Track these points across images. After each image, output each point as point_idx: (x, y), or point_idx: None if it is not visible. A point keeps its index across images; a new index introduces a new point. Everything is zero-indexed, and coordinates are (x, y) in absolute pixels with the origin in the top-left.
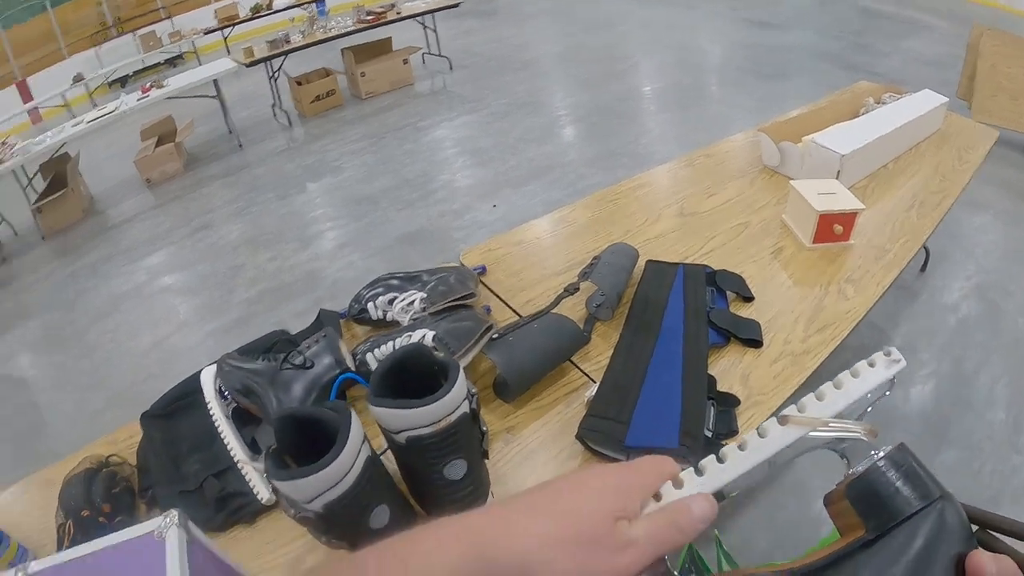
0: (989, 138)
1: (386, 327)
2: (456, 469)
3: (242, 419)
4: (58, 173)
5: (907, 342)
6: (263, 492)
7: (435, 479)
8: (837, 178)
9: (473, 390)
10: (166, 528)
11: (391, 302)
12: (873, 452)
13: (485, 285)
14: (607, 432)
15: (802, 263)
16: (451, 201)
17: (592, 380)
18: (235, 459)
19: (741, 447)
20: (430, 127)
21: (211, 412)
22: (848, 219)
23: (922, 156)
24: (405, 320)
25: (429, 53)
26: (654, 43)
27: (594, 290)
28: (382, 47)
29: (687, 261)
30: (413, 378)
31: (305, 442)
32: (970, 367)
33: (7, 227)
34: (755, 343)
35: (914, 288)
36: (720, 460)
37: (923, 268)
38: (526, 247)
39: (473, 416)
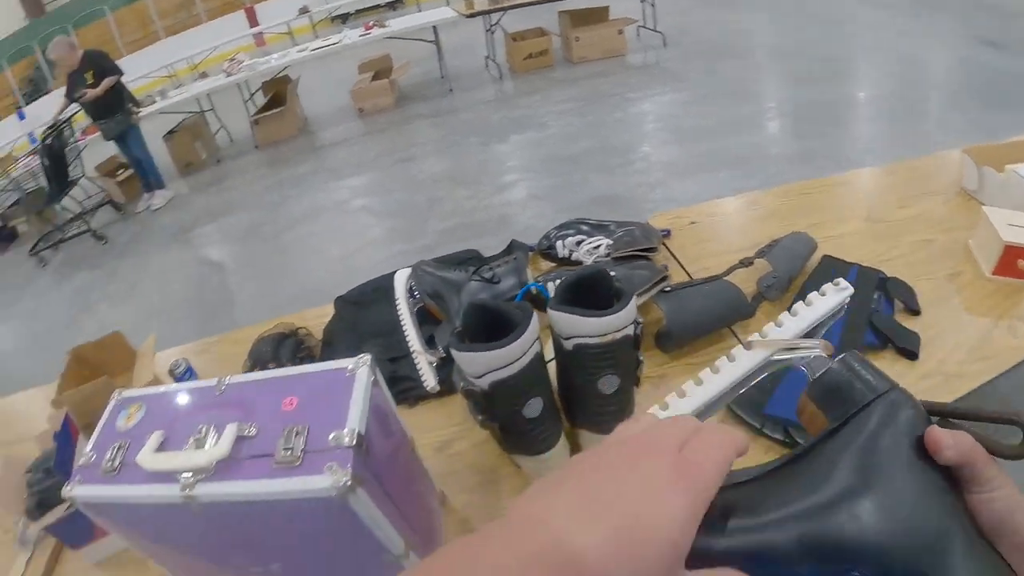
0: None
1: (569, 265)
2: (610, 384)
3: (423, 319)
4: (278, 92)
5: None
6: (430, 381)
7: (589, 389)
8: None
9: (640, 320)
10: (359, 366)
11: (578, 243)
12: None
13: (667, 247)
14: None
15: (977, 291)
16: (647, 173)
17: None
18: (411, 349)
19: (713, 370)
20: (637, 99)
21: (398, 307)
22: None
23: None
24: (588, 261)
25: (644, 27)
26: (875, 49)
27: (767, 270)
28: (599, 15)
29: (863, 264)
30: (591, 297)
31: (486, 331)
32: None
33: (225, 134)
34: (910, 354)
35: None
36: (697, 384)
37: None
38: (713, 221)
39: (635, 342)
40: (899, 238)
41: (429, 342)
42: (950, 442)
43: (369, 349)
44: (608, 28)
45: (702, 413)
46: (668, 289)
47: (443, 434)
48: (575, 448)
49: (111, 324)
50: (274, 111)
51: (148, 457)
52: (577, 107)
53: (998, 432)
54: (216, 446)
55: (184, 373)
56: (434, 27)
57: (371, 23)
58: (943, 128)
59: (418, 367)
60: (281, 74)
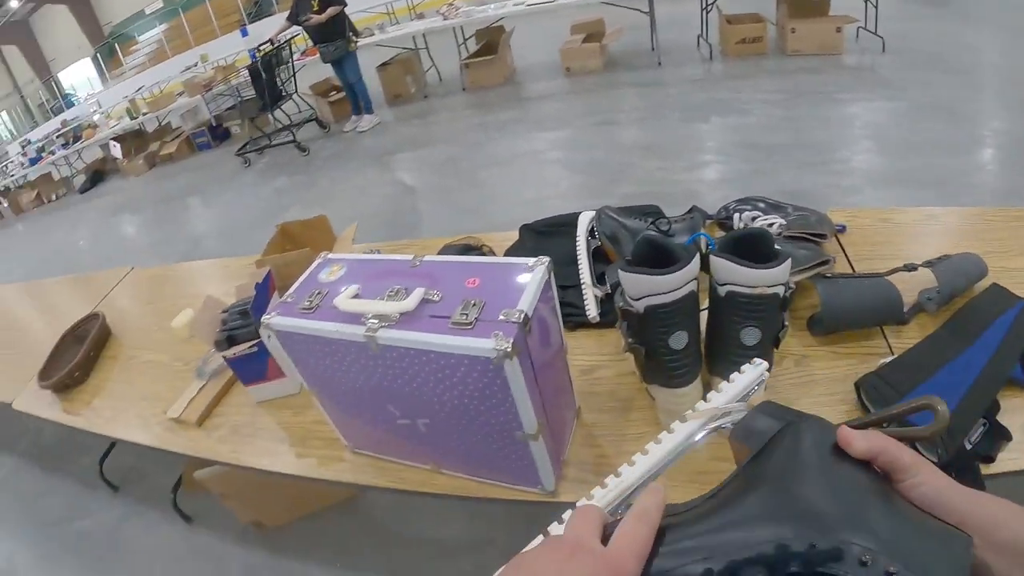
0: None
1: None
2: (751, 336)
3: (597, 257)
4: (490, 41)
5: None
6: (592, 310)
7: (731, 338)
8: None
9: (792, 285)
10: (538, 264)
11: (754, 219)
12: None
13: (838, 240)
14: (884, 394)
15: None
16: (841, 176)
17: (892, 353)
18: (582, 280)
19: (656, 441)
20: (846, 102)
21: (578, 242)
22: None
23: None
24: None
25: (864, 28)
26: None
27: (931, 284)
28: (819, 8)
29: None
30: (751, 255)
31: (652, 263)
32: None
33: (435, 73)
34: None
35: None
36: (643, 453)
37: None
38: (889, 227)
39: (783, 303)
40: None
41: (599, 278)
42: (859, 437)
43: None
44: (827, 23)
45: (647, 479)
46: (828, 276)
47: (592, 360)
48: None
49: None
50: (485, 58)
51: (344, 301)
52: (783, 99)
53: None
54: (403, 302)
55: None
56: None
57: None
58: None
59: (584, 297)
60: (496, 24)
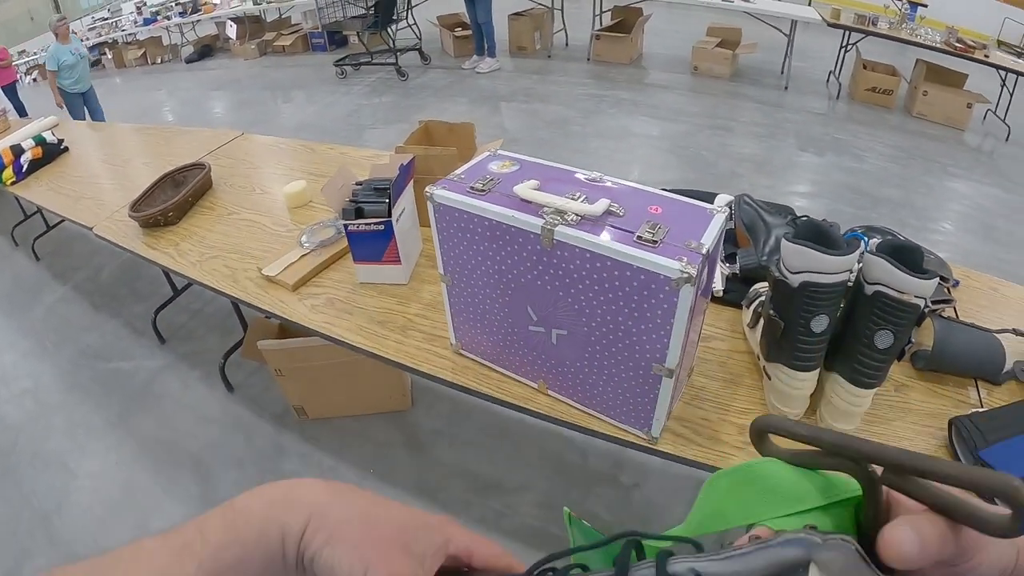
0: None
1: None
2: (884, 340)
3: (727, 238)
4: (626, 20)
5: None
6: (718, 284)
7: (864, 338)
8: None
9: (931, 306)
10: (719, 210)
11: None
12: None
13: (949, 292)
14: (973, 438)
15: None
16: (940, 247)
17: (982, 406)
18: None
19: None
20: (959, 176)
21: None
22: None
23: None
24: None
25: (994, 112)
26: None
27: None
28: (955, 79)
29: None
30: (903, 264)
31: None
32: None
33: (564, 36)
34: None
35: None
36: None
37: None
38: (1000, 297)
39: (920, 317)
40: None
41: (729, 257)
42: (915, 548)
43: None
44: (958, 97)
45: None
46: (944, 315)
47: (709, 331)
48: (818, 389)
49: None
50: (617, 34)
51: (526, 190)
52: (899, 156)
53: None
54: (591, 206)
55: None
56: (793, 21)
57: None
58: None
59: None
60: (636, 4)
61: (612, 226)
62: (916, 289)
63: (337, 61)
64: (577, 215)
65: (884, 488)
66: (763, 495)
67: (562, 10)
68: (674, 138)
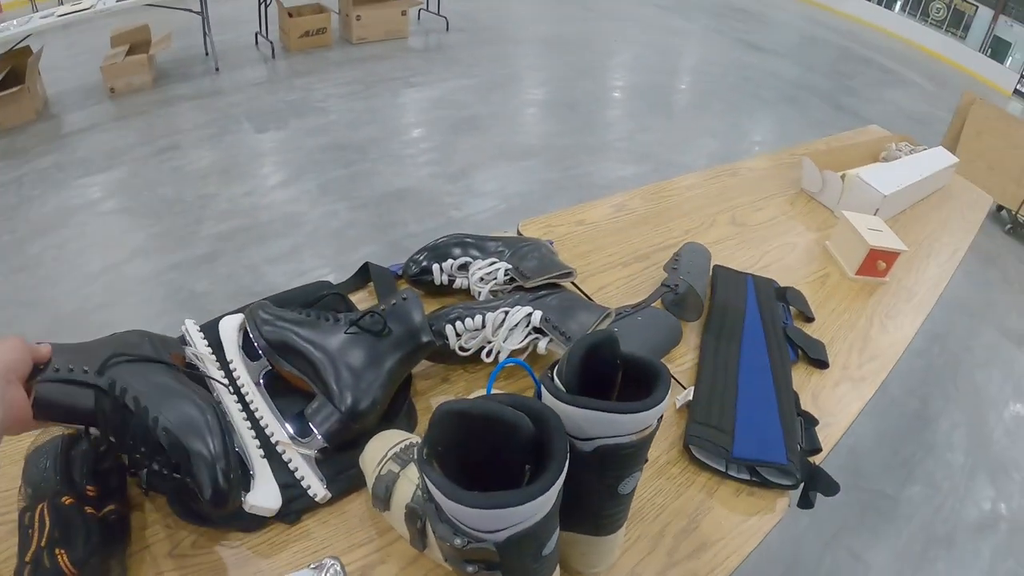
0: (985, 201)
1: (450, 295)
2: (632, 483)
3: (274, 388)
4: (16, 67)
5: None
6: (316, 487)
7: (607, 493)
8: (875, 215)
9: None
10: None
11: (462, 267)
12: None
13: None
14: (713, 441)
15: (846, 292)
16: (444, 164)
17: (680, 383)
18: (273, 441)
19: None
20: (424, 84)
21: (236, 375)
22: (891, 257)
23: (931, 210)
24: (484, 291)
25: (427, 10)
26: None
27: (687, 288)
28: None
29: (754, 274)
30: (592, 370)
31: (462, 446)
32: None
33: None
34: (822, 364)
35: None
36: None
37: None
38: (588, 229)
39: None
40: (767, 243)
41: (297, 423)
42: None
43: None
44: (391, 8)
45: None
46: (617, 317)
47: (355, 557)
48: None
49: None
50: (10, 91)
51: None
52: (359, 90)
53: None
54: None
55: None
56: None
57: None
58: (723, 119)
59: (291, 467)
60: (20, 45)
61: None
62: (647, 421)
63: None
64: None
65: None
66: None
67: None
68: (121, 190)
